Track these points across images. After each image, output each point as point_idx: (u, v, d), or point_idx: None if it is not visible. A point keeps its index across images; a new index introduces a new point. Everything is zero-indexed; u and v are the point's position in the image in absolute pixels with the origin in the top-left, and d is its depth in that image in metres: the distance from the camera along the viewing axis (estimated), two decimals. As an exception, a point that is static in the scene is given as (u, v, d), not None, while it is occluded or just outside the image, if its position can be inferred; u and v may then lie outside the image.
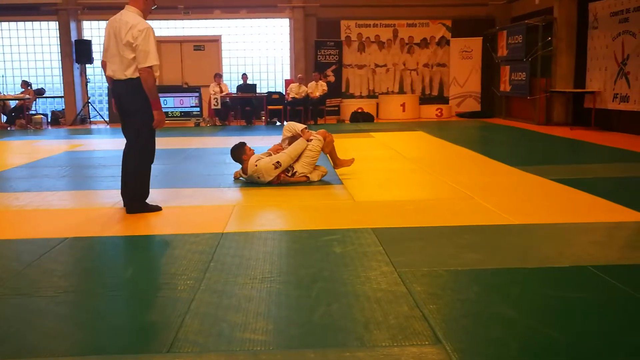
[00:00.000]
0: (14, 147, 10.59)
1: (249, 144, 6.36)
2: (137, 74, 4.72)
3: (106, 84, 15.64)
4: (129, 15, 4.77)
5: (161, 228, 4.55)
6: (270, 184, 6.07)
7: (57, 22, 15.52)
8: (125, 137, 5.00)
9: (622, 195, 5.32)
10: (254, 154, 6.21)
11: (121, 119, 4.99)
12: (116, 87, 4.89)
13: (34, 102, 15.47)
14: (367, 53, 16.29)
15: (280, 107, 14.82)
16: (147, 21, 4.86)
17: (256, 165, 6.03)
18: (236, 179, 6.40)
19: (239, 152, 6.20)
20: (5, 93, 15.50)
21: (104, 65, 4.97)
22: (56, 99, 16.30)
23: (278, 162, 6.04)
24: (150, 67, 4.68)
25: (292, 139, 6.32)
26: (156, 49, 4.74)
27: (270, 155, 6.23)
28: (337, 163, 6.61)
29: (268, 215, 5.03)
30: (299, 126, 6.39)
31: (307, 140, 6.19)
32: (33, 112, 15.23)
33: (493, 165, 7.26)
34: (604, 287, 3.10)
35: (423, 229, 4.28)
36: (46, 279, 3.31)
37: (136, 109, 4.80)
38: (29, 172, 7.40)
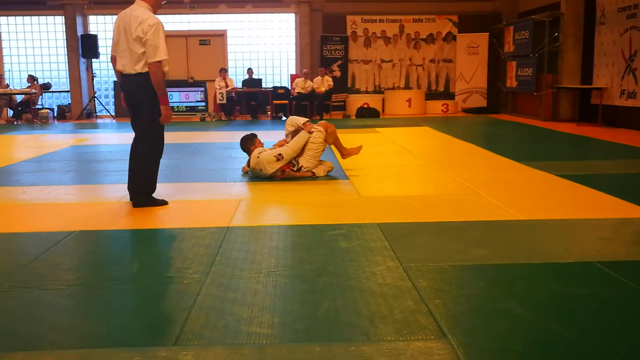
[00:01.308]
0: (21, 141, 10.63)
1: (254, 139, 6.35)
2: (146, 69, 4.72)
3: (112, 79, 15.78)
4: (139, 10, 4.77)
5: (167, 222, 4.56)
6: (275, 178, 6.07)
7: (63, 17, 15.56)
8: (135, 131, 5.02)
9: (629, 191, 5.30)
10: (262, 146, 6.21)
11: (131, 113, 5.00)
12: (126, 81, 4.89)
13: (40, 96, 15.51)
14: (373, 48, 16.26)
15: (286, 102, 14.83)
16: (153, 15, 4.87)
17: (258, 157, 6.03)
18: (244, 173, 6.40)
19: (249, 143, 6.20)
20: (11, 87, 15.55)
21: (113, 60, 4.97)
22: (62, 94, 16.34)
23: (280, 154, 6.03)
24: (159, 61, 4.69)
25: (295, 132, 6.32)
26: (165, 44, 4.75)
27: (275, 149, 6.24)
28: (344, 153, 6.56)
29: (274, 210, 5.04)
30: (300, 120, 6.39)
31: (309, 132, 6.18)
32: (39, 107, 15.27)
33: (499, 161, 7.24)
34: (610, 282, 3.09)
35: (429, 224, 4.27)
36: (53, 273, 3.32)
37: (145, 103, 4.81)
38: (36, 166, 7.42)
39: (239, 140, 6.42)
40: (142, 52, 4.70)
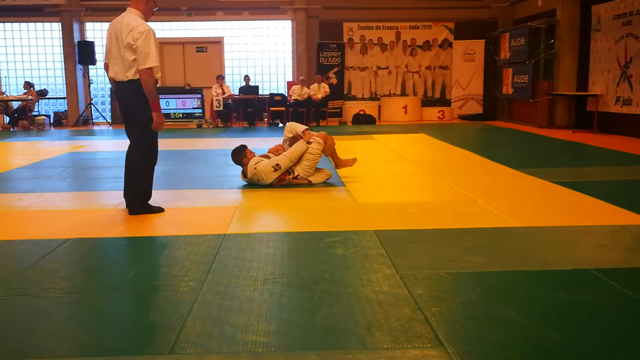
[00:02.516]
0: (17, 148, 10.61)
1: (251, 146, 6.37)
2: (138, 76, 4.73)
3: (109, 85, 15.76)
4: (130, 17, 4.79)
5: (163, 229, 4.55)
6: (272, 185, 6.07)
7: (60, 24, 15.56)
8: (129, 138, 5.02)
9: (625, 198, 5.32)
10: (254, 156, 6.20)
11: (124, 120, 5.01)
12: (119, 88, 4.91)
13: (37, 103, 15.50)
14: (370, 55, 16.30)
15: (283, 108, 14.84)
16: (150, 22, 4.89)
17: (255, 168, 6.03)
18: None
19: (240, 155, 6.20)
20: (8, 94, 15.53)
21: (106, 67, 4.99)
22: (59, 100, 16.33)
23: (277, 164, 6.04)
24: (151, 68, 4.70)
25: (293, 139, 6.32)
26: (157, 50, 4.75)
27: (269, 157, 6.23)
28: (338, 164, 6.61)
29: (270, 217, 5.04)
30: (300, 127, 6.38)
31: (308, 143, 6.18)
32: (35, 113, 15.26)
33: (495, 167, 7.26)
34: (606, 290, 3.09)
35: (425, 232, 4.27)
36: (49, 280, 3.31)
37: (138, 110, 4.82)
38: (32, 173, 7.41)
39: (235, 147, 6.41)
40: (133, 59, 4.71)
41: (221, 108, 14.46)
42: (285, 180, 6.12)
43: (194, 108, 15.29)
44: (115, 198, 5.54)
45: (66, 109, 15.88)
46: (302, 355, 2.39)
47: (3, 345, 2.52)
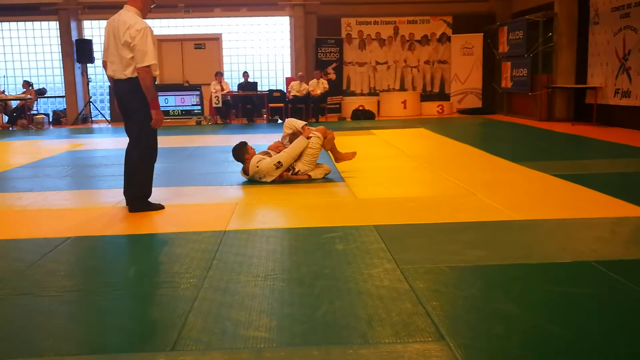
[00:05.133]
0: (16, 147, 10.60)
1: (250, 142, 6.36)
2: (136, 74, 4.72)
3: (107, 83, 15.74)
4: (127, 15, 4.78)
5: (164, 226, 4.56)
6: (272, 181, 6.07)
7: (57, 22, 15.53)
8: (128, 136, 5.02)
9: (625, 190, 5.32)
10: (255, 153, 6.20)
11: (123, 118, 5.00)
12: (117, 86, 4.91)
13: (36, 102, 15.47)
14: (368, 50, 16.27)
15: (282, 105, 14.83)
16: (148, 19, 4.88)
17: (257, 167, 6.03)
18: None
19: (241, 152, 6.20)
20: (7, 93, 15.51)
21: (104, 65, 4.99)
22: (57, 99, 16.31)
23: (279, 162, 6.04)
24: (148, 66, 4.69)
25: (293, 136, 6.32)
26: (154, 48, 4.74)
27: (269, 153, 6.23)
28: (338, 157, 6.61)
29: (270, 213, 5.04)
30: (299, 123, 6.39)
31: (307, 138, 6.18)
32: (34, 112, 15.23)
33: (495, 161, 7.26)
34: (606, 282, 3.10)
35: (425, 226, 4.28)
36: (49, 279, 3.31)
37: (137, 107, 4.82)
38: (31, 172, 7.40)
39: (235, 144, 6.42)
40: (130, 57, 4.71)
41: (220, 105, 14.44)
42: (285, 176, 6.12)
43: (192, 105, 15.27)
44: (115, 196, 5.54)
45: (65, 107, 15.86)
46: (303, 350, 2.39)
47: (4, 344, 2.52)
